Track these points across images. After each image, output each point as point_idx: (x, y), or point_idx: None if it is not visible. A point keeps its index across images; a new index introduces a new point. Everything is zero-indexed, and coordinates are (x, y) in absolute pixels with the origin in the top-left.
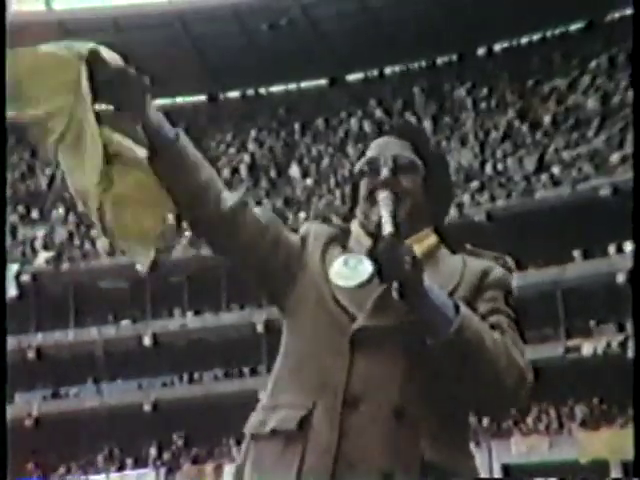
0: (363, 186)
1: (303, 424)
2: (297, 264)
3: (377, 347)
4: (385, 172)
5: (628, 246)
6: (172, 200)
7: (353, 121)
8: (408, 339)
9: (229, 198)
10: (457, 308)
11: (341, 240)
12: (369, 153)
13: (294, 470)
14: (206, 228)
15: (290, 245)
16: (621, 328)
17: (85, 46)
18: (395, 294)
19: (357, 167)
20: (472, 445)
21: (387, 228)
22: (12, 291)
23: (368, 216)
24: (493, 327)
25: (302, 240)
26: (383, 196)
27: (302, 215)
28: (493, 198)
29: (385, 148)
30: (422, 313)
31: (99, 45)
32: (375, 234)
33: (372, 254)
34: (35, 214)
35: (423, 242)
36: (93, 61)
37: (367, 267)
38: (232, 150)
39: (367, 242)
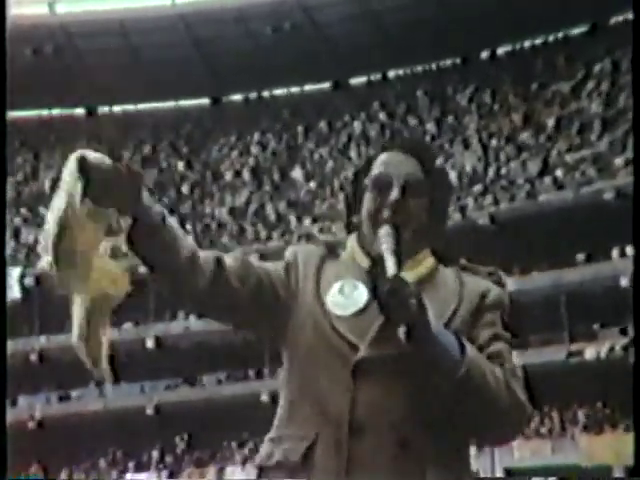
0: (369, 202)
1: (307, 456)
2: (286, 294)
3: (380, 376)
4: (395, 194)
5: (630, 250)
6: (155, 280)
7: (356, 124)
8: (411, 369)
9: (205, 266)
10: (462, 347)
11: (333, 256)
12: (378, 168)
13: None
14: (189, 306)
15: (272, 279)
16: (624, 332)
17: (73, 157)
18: (402, 337)
19: (365, 181)
20: (474, 449)
21: (390, 268)
22: (16, 294)
23: (369, 237)
24: (494, 356)
25: (286, 267)
26: (384, 231)
27: (306, 219)
28: (496, 201)
29: (396, 166)
30: (429, 355)
31: (84, 151)
32: (372, 259)
33: (374, 289)
34: (39, 217)
35: (422, 264)
36: (83, 167)
37: (362, 294)
38: (235, 153)
39: (365, 263)
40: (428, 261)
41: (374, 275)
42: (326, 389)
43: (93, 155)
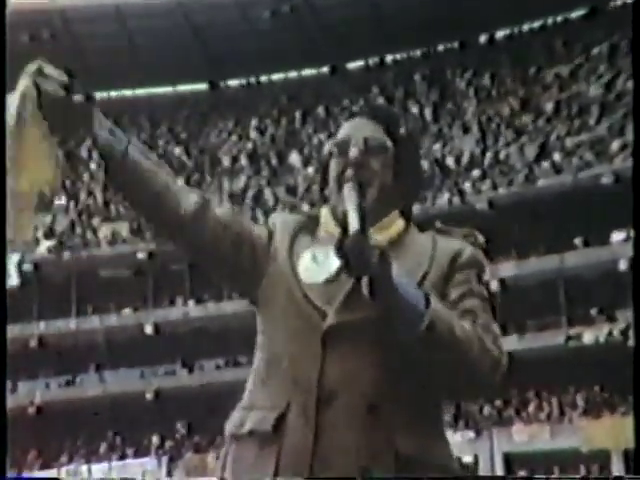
0: (333, 166)
1: (278, 425)
2: (264, 257)
3: (349, 343)
4: (354, 152)
5: (620, 235)
6: (131, 208)
7: (355, 109)
8: (379, 333)
9: (188, 201)
10: (428, 301)
11: (310, 228)
12: (340, 134)
13: (271, 471)
14: (167, 233)
15: (254, 239)
16: (623, 316)
17: (32, 65)
18: (365, 291)
19: (327, 147)
20: (472, 433)
21: (353, 225)
22: (14, 280)
23: (336, 201)
24: (466, 312)
25: (269, 232)
26: (348, 188)
27: (304, 204)
28: (495, 186)
29: (356, 129)
30: (392, 309)
31: (44, 62)
32: (343, 226)
33: (339, 249)
34: (36, 203)
35: (391, 227)
36: (38, 78)
37: (334, 262)
38: (233, 138)
39: (336, 231)
40: (397, 224)
41: (342, 239)
42: (296, 356)
43: (51, 69)
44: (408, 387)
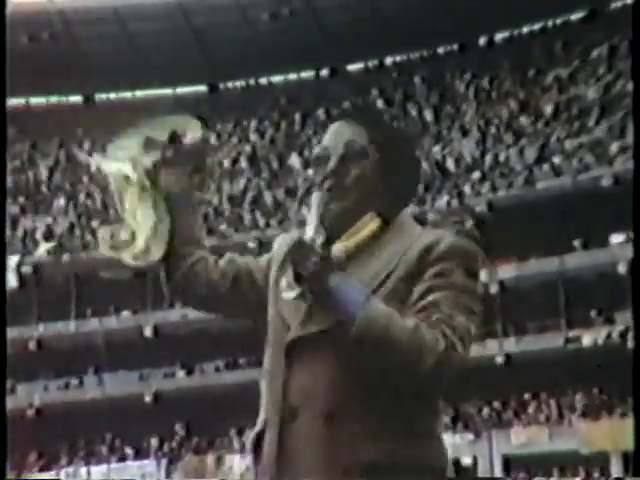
0: (314, 176)
1: (258, 442)
2: (263, 280)
3: (310, 356)
4: (332, 162)
5: (620, 237)
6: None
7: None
8: (335, 344)
9: (189, 257)
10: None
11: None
12: (323, 141)
13: None
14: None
15: (253, 274)
16: (622, 318)
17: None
18: (305, 299)
19: (312, 155)
20: (471, 435)
21: (308, 232)
22: (13, 282)
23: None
24: (425, 307)
25: (269, 259)
26: (313, 198)
27: (304, 206)
28: (494, 188)
29: (338, 134)
30: (331, 315)
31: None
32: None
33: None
34: (36, 205)
35: (365, 228)
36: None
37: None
38: (233, 140)
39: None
40: (372, 225)
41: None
42: (271, 373)
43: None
44: (366, 393)
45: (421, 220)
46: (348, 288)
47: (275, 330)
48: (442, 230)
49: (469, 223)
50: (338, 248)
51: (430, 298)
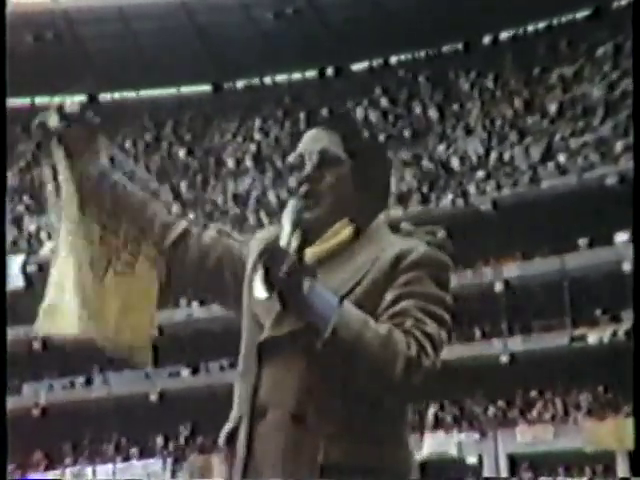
0: (291, 182)
1: (230, 440)
2: (243, 272)
3: (280, 356)
4: (308, 168)
5: (624, 235)
6: (123, 235)
7: (359, 110)
8: (305, 345)
9: (170, 235)
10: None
11: (275, 242)
12: (299, 147)
13: None
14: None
15: (235, 261)
16: (627, 317)
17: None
18: (277, 303)
19: (288, 162)
20: (477, 434)
21: (283, 239)
22: (19, 281)
23: None
24: (396, 315)
25: (246, 255)
26: (288, 204)
27: None
28: (499, 187)
29: (313, 141)
30: (303, 318)
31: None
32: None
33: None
34: (41, 204)
35: (337, 235)
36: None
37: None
38: (238, 140)
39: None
40: (345, 231)
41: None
42: (244, 371)
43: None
44: (332, 395)
45: (395, 228)
46: (321, 292)
47: (249, 328)
48: (414, 240)
49: (441, 233)
50: (311, 253)
51: (401, 305)
